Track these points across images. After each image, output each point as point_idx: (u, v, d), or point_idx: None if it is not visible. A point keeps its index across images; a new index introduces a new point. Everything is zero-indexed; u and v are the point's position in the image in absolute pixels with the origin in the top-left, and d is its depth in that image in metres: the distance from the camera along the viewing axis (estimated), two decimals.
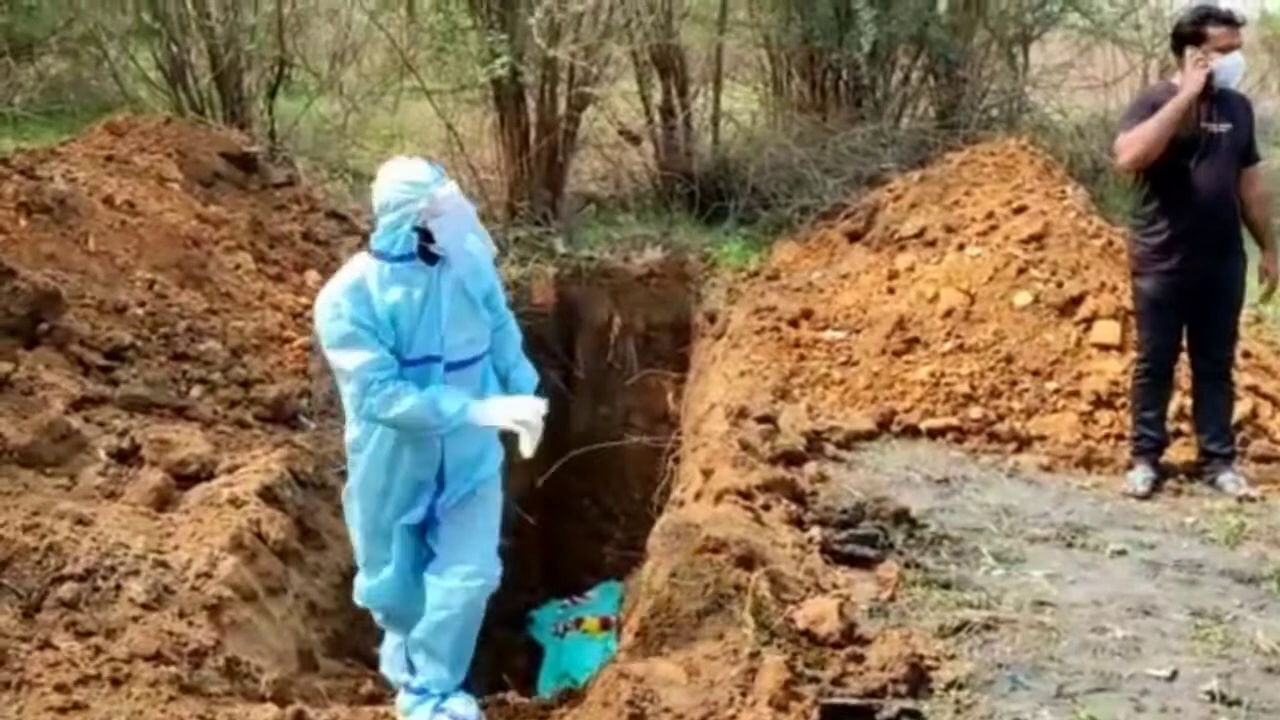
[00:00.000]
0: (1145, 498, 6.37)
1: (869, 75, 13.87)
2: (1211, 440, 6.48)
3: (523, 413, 4.58)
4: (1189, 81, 6.14)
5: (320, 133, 12.98)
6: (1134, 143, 6.25)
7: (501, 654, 8.64)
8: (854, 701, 4.44)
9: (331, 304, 4.48)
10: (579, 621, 9.32)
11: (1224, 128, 6.11)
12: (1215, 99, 6.09)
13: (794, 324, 8.22)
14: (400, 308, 4.51)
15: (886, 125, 13.83)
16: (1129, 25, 15.58)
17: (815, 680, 4.56)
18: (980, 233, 8.04)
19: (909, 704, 4.49)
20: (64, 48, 15.40)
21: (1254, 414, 6.88)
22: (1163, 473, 6.53)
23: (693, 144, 13.36)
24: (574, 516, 10.42)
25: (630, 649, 4.85)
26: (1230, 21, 6.12)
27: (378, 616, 5.10)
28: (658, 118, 13.28)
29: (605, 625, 9.28)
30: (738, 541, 5.19)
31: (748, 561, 5.13)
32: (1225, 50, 6.07)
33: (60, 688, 4.26)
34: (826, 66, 14.21)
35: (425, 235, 4.44)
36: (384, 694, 5.35)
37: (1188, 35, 6.22)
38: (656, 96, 13.36)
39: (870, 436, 7.04)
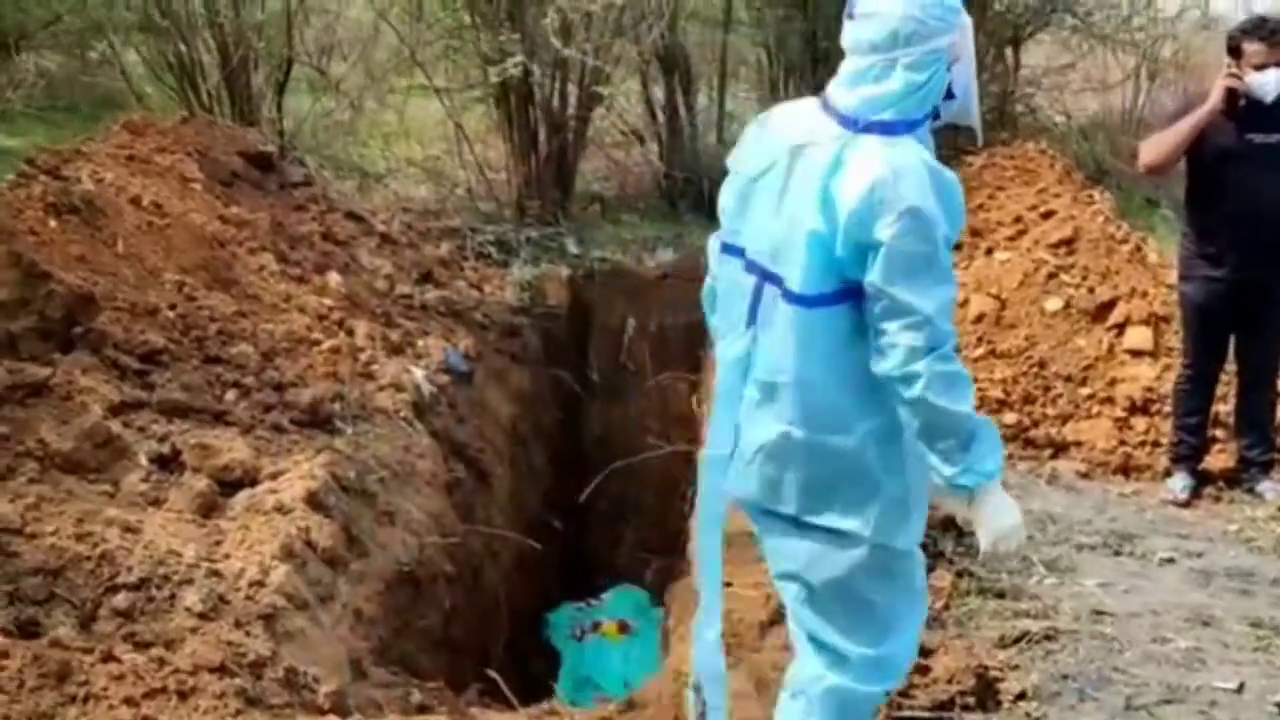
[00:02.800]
0: (1185, 505, 6.39)
1: None
2: (1251, 447, 6.50)
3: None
4: (1211, 96, 6.20)
5: (323, 131, 12.90)
6: (1151, 149, 6.40)
7: (517, 658, 8.60)
8: (925, 715, 4.43)
9: (918, 198, 3.08)
10: (597, 625, 9.28)
11: (1273, 139, 6.10)
12: (1266, 110, 6.08)
13: None
14: None
15: None
16: (1126, 27, 15.63)
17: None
18: (1009, 237, 8.04)
19: (978, 717, 4.49)
20: (56, 43, 15.25)
21: None
22: (1201, 479, 6.55)
23: (697, 144, 13.34)
24: (587, 519, 10.38)
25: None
26: (1269, 39, 6.12)
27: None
28: (661, 117, 13.25)
29: (624, 629, 9.25)
30: None
31: None
32: (1260, 68, 6.09)
33: (128, 701, 4.19)
34: (832, 68, 14.20)
35: None
36: (434, 705, 5.32)
37: (1230, 48, 6.25)
38: (659, 95, 13.35)
39: None
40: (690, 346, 10.57)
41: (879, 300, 3.11)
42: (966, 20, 3.27)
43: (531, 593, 9.13)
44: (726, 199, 3.58)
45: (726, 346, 3.49)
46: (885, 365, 3.13)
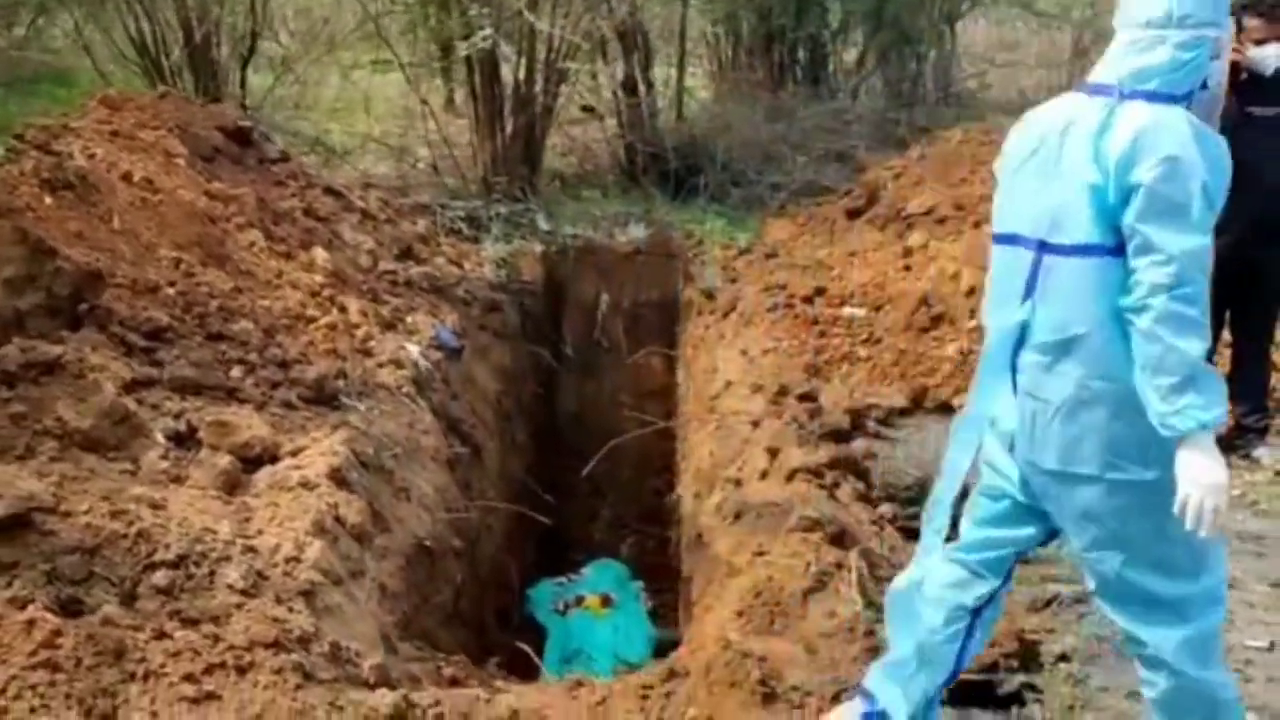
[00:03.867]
0: None
1: (830, 51, 14.03)
2: (1248, 414, 6.66)
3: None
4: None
5: (281, 107, 12.78)
6: None
7: (508, 632, 8.60)
8: (976, 677, 4.50)
9: (1179, 148, 3.24)
10: (580, 599, 9.31)
11: (1271, 112, 6.24)
12: (1265, 84, 6.22)
13: (808, 301, 8.27)
14: None
15: (847, 103, 13.99)
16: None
17: None
18: None
19: (1023, 678, 4.58)
20: None
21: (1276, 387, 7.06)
22: None
23: (657, 120, 13.38)
24: (563, 493, 10.40)
25: (739, 628, 4.84)
26: (1269, 14, 6.25)
27: None
28: (621, 94, 13.26)
29: (606, 602, 9.29)
30: (830, 520, 5.24)
31: (840, 539, 5.18)
32: (1260, 42, 6.22)
33: (188, 677, 4.17)
34: (789, 44, 14.31)
35: None
36: (463, 678, 5.33)
37: None
38: (618, 72, 13.36)
39: (904, 413, 7.12)
40: (664, 322, 10.63)
41: (1133, 238, 3.27)
42: (1230, 25, 3.59)
43: (516, 567, 9.16)
44: (996, 202, 3.73)
45: (1000, 320, 3.59)
46: (1128, 299, 3.27)
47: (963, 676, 4.51)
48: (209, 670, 4.25)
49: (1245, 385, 6.66)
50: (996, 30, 15.93)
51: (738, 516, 5.81)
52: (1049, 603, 5.07)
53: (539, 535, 10.02)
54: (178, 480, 5.45)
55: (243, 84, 11.66)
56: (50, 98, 12.51)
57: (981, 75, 14.92)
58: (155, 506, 5.07)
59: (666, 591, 9.06)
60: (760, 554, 5.21)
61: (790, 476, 5.83)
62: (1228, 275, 6.36)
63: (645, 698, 4.87)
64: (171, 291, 6.68)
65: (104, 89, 9.83)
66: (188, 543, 4.86)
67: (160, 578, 4.71)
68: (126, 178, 7.24)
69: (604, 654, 8.42)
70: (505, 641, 7.70)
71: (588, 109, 13.66)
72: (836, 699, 4.27)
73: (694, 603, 6.01)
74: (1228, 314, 6.61)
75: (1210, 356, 6.42)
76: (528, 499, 8.85)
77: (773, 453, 6.12)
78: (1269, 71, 6.21)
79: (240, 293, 7.06)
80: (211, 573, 4.80)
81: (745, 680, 4.36)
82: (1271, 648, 4.74)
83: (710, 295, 9.47)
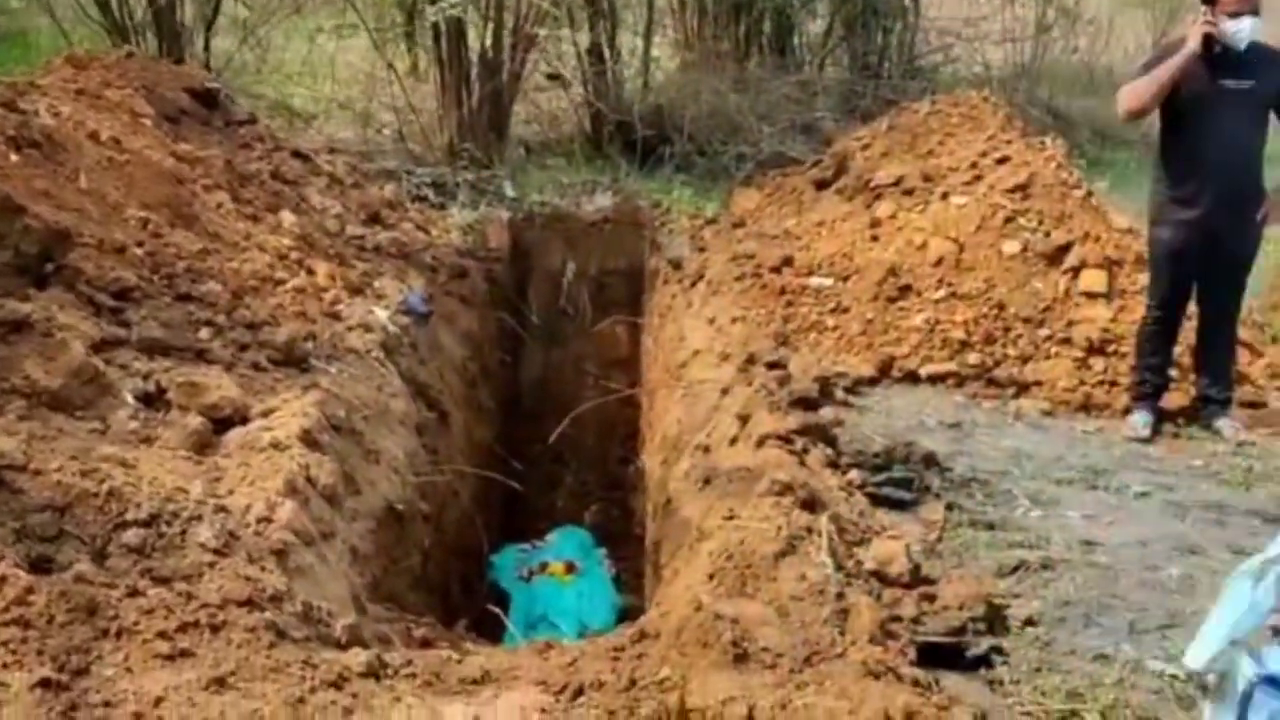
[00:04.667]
0: (1147, 441, 6.61)
1: (797, 22, 14.02)
2: (1211, 385, 6.74)
3: None
4: (1189, 41, 6.38)
5: (243, 71, 12.67)
6: (1128, 96, 6.55)
7: (472, 597, 8.61)
8: (946, 640, 4.56)
9: None
10: (544, 565, 9.34)
11: (1244, 85, 6.30)
12: (1237, 57, 6.28)
13: (776, 271, 8.29)
14: None
15: (813, 74, 14.00)
16: None
17: (897, 619, 4.67)
18: (965, 182, 8.20)
19: (990, 641, 4.63)
20: None
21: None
22: (1160, 416, 6.77)
23: (623, 89, 13.36)
24: (527, 460, 10.41)
25: (711, 591, 4.86)
26: None
27: None
28: (587, 62, 13.21)
29: (570, 569, 9.33)
30: (801, 485, 5.26)
31: (810, 504, 5.21)
32: (1234, 15, 6.27)
33: (162, 634, 4.16)
34: (755, 15, 14.29)
35: None
36: (434, 638, 5.34)
37: None
38: (585, 40, 13.32)
39: (872, 382, 7.18)
40: (629, 291, 10.64)
41: None
42: None
43: (481, 533, 9.16)
44: None
45: None
46: None
47: (932, 639, 4.59)
48: (182, 628, 4.23)
49: (1212, 357, 6.75)
50: (960, 4, 15.88)
51: (707, 482, 5.84)
52: (1015, 568, 5.12)
53: (503, 502, 10.03)
54: (148, 440, 5.42)
55: (206, 46, 11.54)
56: (6, 58, 12.37)
57: (947, 49, 14.92)
58: (125, 466, 5.05)
59: (630, 558, 9.10)
60: (731, 518, 5.23)
61: (760, 442, 5.85)
62: (1196, 247, 6.48)
63: (616, 659, 4.88)
64: (139, 252, 6.63)
65: (64, 49, 9.75)
66: (159, 502, 4.84)
67: (132, 536, 4.69)
68: (93, 137, 7.17)
69: (569, 620, 8.46)
70: (470, 607, 7.72)
71: (554, 76, 13.61)
72: (808, 661, 4.30)
73: (663, 566, 6.04)
74: (1194, 286, 6.67)
75: (1174, 329, 6.56)
76: (493, 465, 8.85)
77: (743, 419, 6.14)
78: (1242, 45, 6.27)
79: (208, 254, 7.01)
80: (183, 532, 4.77)
81: (717, 641, 4.36)
82: None
83: (677, 264, 9.47)
